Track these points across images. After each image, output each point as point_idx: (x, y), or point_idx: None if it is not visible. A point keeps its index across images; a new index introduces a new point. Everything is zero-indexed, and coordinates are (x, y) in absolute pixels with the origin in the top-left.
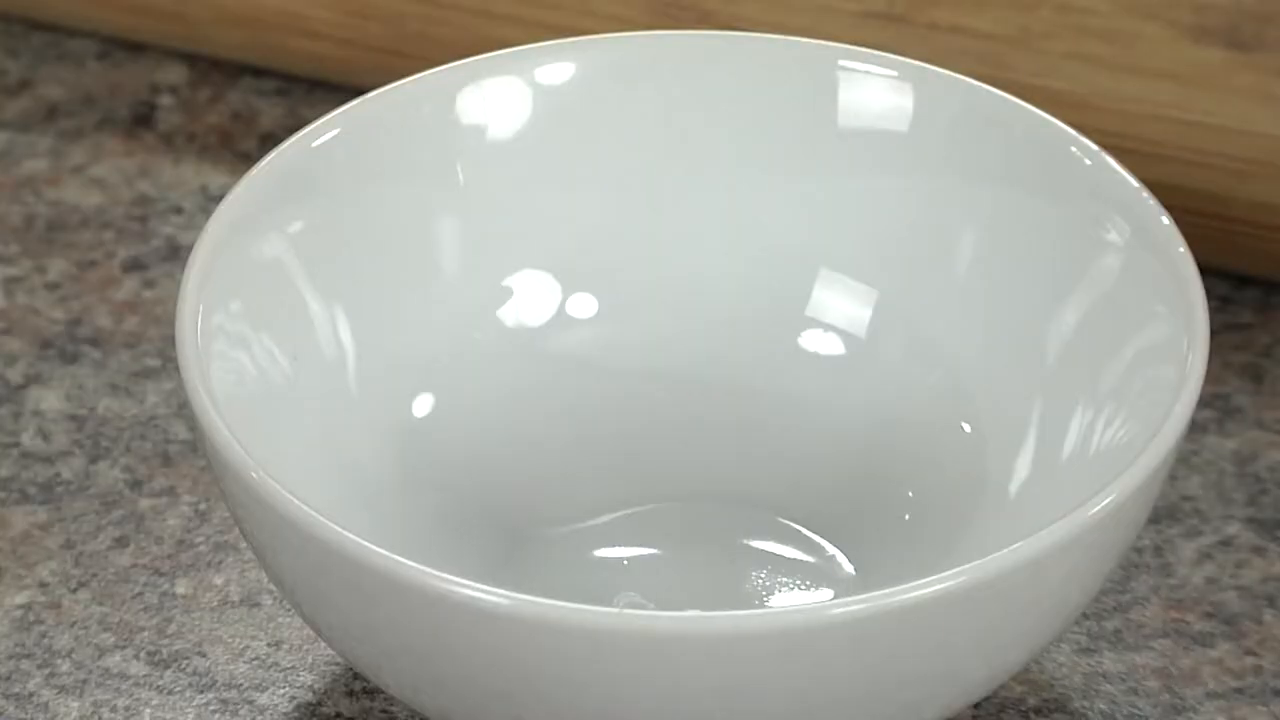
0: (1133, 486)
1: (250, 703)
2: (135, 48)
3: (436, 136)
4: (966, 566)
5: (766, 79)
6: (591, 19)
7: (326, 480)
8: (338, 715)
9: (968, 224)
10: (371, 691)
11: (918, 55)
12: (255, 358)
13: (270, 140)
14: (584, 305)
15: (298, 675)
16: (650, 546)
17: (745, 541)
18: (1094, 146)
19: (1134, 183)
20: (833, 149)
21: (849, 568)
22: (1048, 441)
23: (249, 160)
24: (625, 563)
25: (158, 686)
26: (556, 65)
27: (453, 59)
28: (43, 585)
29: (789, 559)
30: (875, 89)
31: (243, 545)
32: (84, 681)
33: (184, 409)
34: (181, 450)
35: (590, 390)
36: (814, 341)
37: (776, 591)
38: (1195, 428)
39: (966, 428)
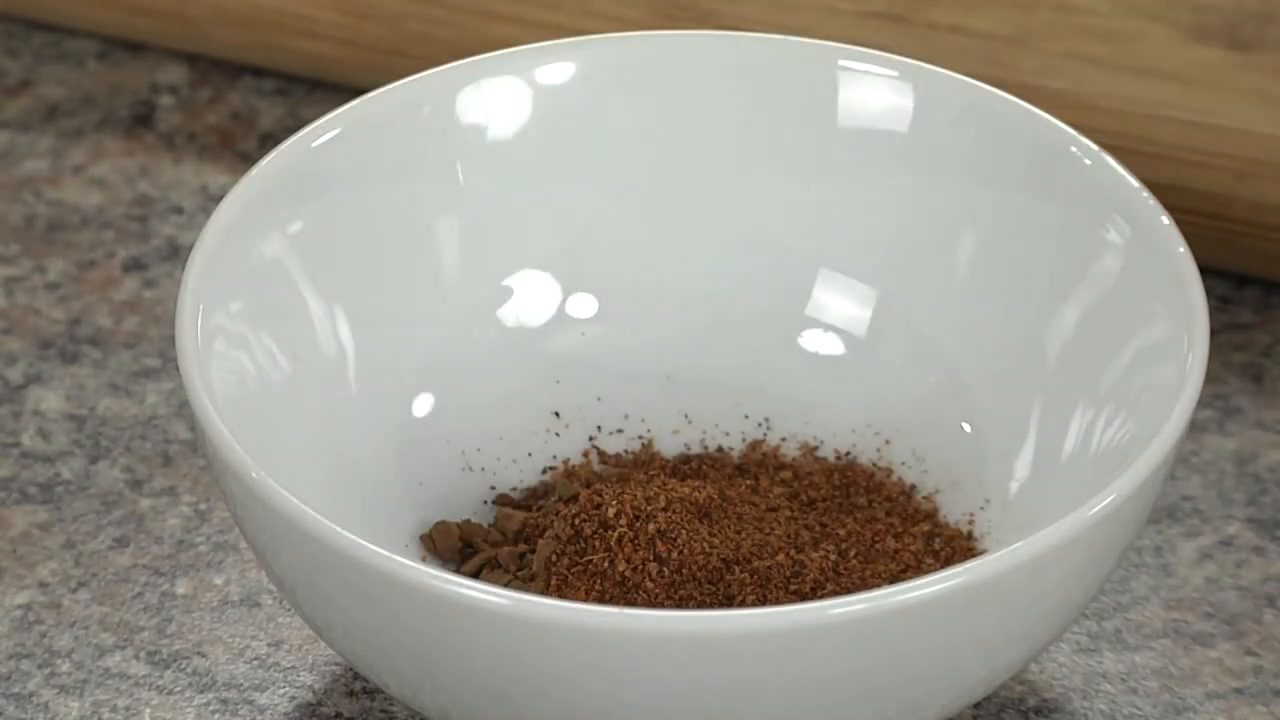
0: (1133, 486)
1: (250, 703)
2: (135, 48)
3: (436, 136)
4: (966, 566)
5: (766, 79)
6: (591, 19)
7: (326, 480)
8: (338, 715)
9: (968, 224)
10: (371, 691)
11: (918, 55)
12: (255, 358)
13: (270, 140)
14: (584, 305)
15: (298, 675)
16: None
17: None
18: (1094, 146)
19: (1134, 183)
20: (833, 149)
21: None
22: (1048, 441)
23: (249, 160)
24: None
25: (158, 686)
26: (556, 65)
27: (453, 59)
28: (43, 585)
29: None
30: (875, 89)
31: (243, 545)
32: (84, 681)
33: (184, 409)
34: (181, 450)
35: (590, 390)
36: (814, 341)
37: None
38: (1195, 428)
39: (966, 428)
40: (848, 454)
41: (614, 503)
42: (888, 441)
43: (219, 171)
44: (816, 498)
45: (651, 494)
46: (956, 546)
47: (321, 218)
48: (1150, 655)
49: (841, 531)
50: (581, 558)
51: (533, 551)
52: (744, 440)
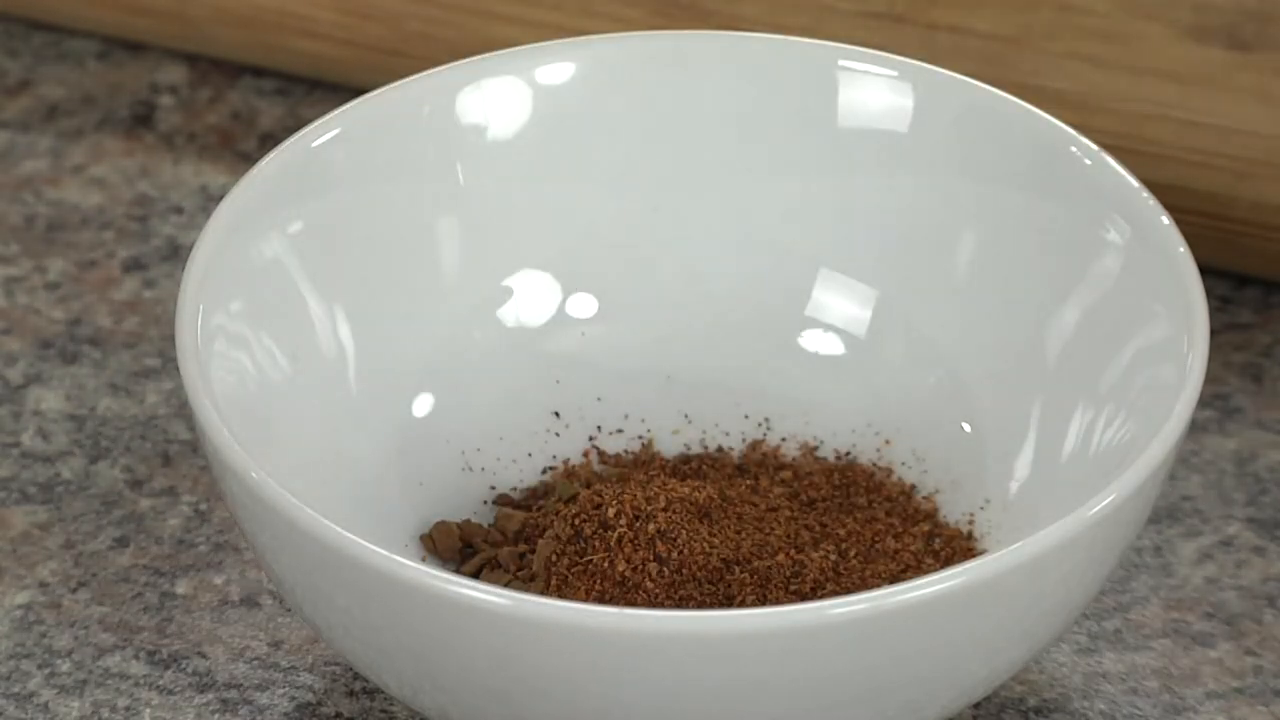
0: (1133, 486)
1: (250, 703)
2: (135, 48)
3: (436, 136)
4: (966, 566)
5: (766, 79)
6: (591, 19)
7: (326, 480)
8: (338, 715)
9: (968, 224)
10: (371, 691)
11: (918, 55)
12: (255, 358)
13: (270, 140)
14: (584, 305)
15: (298, 675)
16: None
17: None
18: (1094, 146)
19: (1134, 183)
20: (833, 149)
21: None
22: (1048, 441)
23: (249, 160)
24: None
25: (158, 686)
26: (556, 65)
27: (453, 59)
28: (43, 585)
29: None
30: (875, 89)
31: (243, 545)
32: (84, 681)
33: (184, 409)
34: (181, 450)
35: (590, 390)
36: (814, 341)
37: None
38: (1195, 428)
39: (966, 428)
40: (848, 454)
41: (614, 503)
42: (888, 441)
43: (219, 171)
44: (816, 498)
45: (651, 494)
46: (956, 546)
47: (321, 218)
48: (1150, 655)
49: (841, 531)
50: (581, 558)
51: (533, 551)
52: (744, 440)
